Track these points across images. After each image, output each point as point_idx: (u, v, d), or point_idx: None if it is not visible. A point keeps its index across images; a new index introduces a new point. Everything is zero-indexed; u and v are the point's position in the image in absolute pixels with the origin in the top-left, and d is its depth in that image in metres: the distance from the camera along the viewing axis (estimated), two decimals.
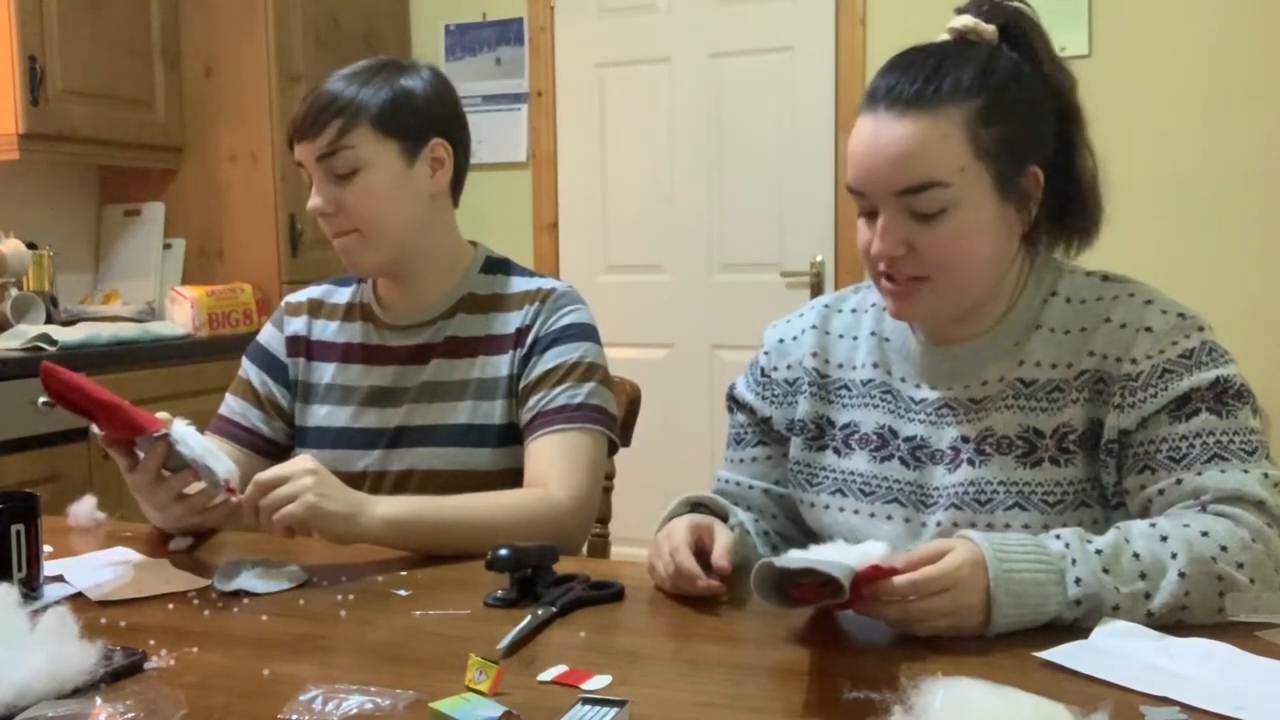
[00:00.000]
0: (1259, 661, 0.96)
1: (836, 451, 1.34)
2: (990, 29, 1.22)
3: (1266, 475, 1.12)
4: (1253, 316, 3.17)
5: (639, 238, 3.92)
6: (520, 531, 1.34)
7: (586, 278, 3.97)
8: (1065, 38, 3.30)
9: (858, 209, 1.23)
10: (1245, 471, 1.11)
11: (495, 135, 4.09)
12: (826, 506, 1.33)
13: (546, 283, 1.64)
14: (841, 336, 1.39)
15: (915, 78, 1.18)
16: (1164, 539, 1.07)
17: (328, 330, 1.66)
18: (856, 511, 1.30)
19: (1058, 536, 1.07)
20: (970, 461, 1.23)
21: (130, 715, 0.87)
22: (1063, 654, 0.97)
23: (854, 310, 1.40)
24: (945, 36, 1.25)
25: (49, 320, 3.12)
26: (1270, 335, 3.18)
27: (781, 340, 1.43)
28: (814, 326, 1.41)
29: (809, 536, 1.40)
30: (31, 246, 3.19)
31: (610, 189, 3.97)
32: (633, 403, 1.90)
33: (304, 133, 1.52)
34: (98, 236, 3.73)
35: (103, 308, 3.44)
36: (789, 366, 1.41)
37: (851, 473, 1.32)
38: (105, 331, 3.03)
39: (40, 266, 3.21)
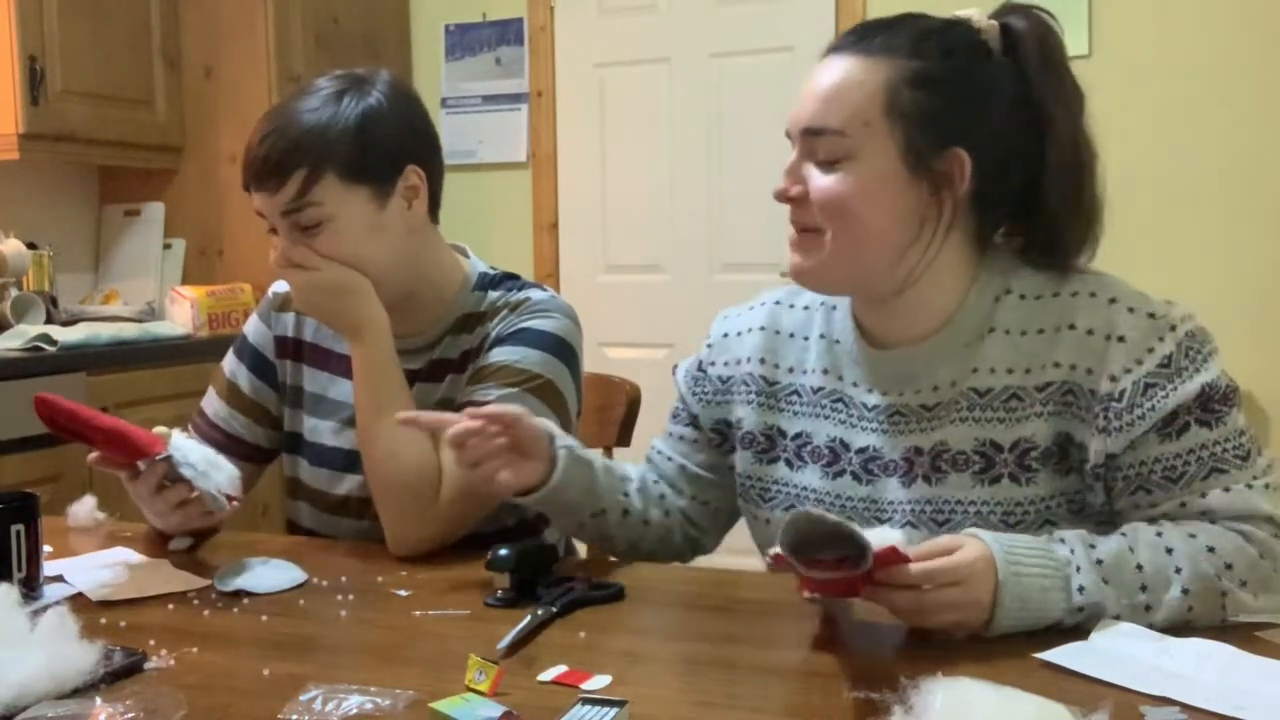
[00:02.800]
0: (1259, 661, 0.96)
1: (789, 464, 1.30)
2: (991, 23, 1.20)
3: (1268, 486, 1.10)
4: (1254, 316, 3.17)
5: (639, 238, 3.92)
6: (389, 484, 1.38)
7: (586, 278, 3.97)
8: (1065, 38, 3.30)
9: None
10: (1249, 487, 1.09)
11: (495, 135, 4.09)
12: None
13: (529, 293, 1.53)
14: (793, 336, 1.33)
15: (869, 28, 1.19)
16: (1169, 551, 1.06)
17: (321, 332, 1.57)
18: None
19: (1062, 540, 1.07)
20: (926, 479, 1.19)
21: (130, 715, 0.87)
22: (1063, 654, 0.97)
23: (806, 307, 1.33)
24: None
25: (49, 320, 3.12)
26: (1273, 335, 3.18)
27: (725, 335, 1.38)
28: (762, 327, 1.35)
29: (723, 523, 1.42)
30: (31, 246, 3.18)
31: (610, 189, 3.97)
32: (633, 403, 1.90)
33: (261, 184, 1.39)
34: (98, 236, 3.73)
35: (103, 308, 3.44)
36: (726, 364, 1.36)
37: (805, 488, 1.28)
38: (105, 331, 3.03)
39: (40, 266, 3.21)
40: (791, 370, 1.32)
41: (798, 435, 1.29)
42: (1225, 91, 3.22)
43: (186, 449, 1.33)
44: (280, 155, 1.37)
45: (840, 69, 1.16)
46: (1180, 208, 3.27)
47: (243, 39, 3.52)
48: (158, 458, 1.30)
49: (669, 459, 1.41)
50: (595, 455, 1.36)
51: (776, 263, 3.74)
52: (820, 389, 1.28)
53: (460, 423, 1.24)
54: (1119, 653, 0.97)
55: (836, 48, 1.19)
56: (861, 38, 1.18)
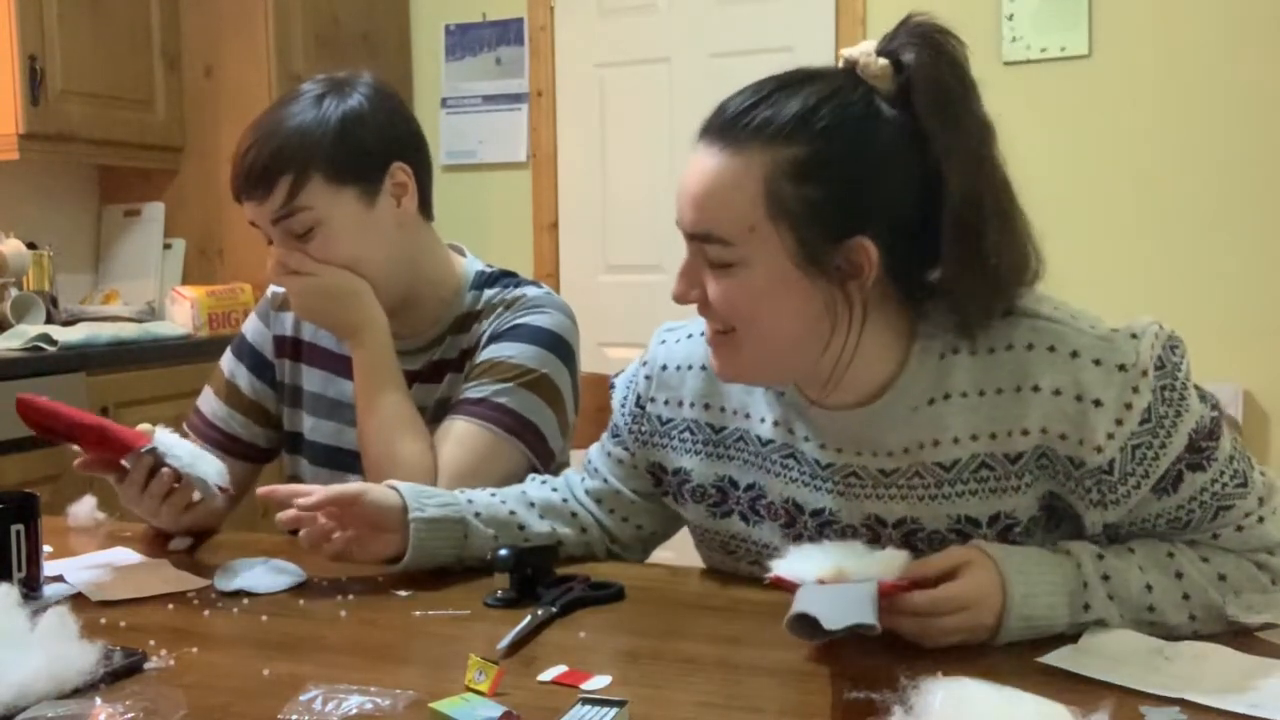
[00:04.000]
0: (1259, 661, 0.96)
1: (744, 518, 1.22)
2: (881, 64, 1.04)
3: (1276, 511, 1.08)
4: (1254, 315, 3.17)
5: (639, 238, 3.92)
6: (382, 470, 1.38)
7: (586, 278, 3.97)
8: (1065, 38, 3.30)
9: None
10: (1260, 520, 1.07)
11: (495, 135, 4.09)
12: (750, 575, 1.21)
13: (524, 290, 1.53)
14: None
15: (741, 104, 1.05)
16: (1179, 575, 1.05)
17: (320, 331, 1.56)
18: None
19: (1069, 553, 1.05)
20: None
21: (130, 715, 0.87)
22: (1062, 657, 0.97)
23: None
24: (840, 64, 1.08)
25: (49, 320, 3.12)
26: (1273, 334, 3.18)
27: (665, 368, 1.28)
28: (703, 367, 1.23)
29: (651, 546, 1.38)
30: (31, 246, 3.18)
31: (610, 189, 3.97)
32: None
33: (250, 193, 1.41)
34: (98, 236, 3.73)
35: (103, 308, 3.44)
36: (667, 402, 1.27)
37: (765, 545, 1.21)
38: (105, 331, 3.03)
39: (40, 266, 3.21)
40: (735, 414, 1.22)
41: (750, 487, 1.21)
42: (1225, 91, 3.21)
43: (171, 443, 1.33)
44: (265, 162, 1.39)
45: (712, 167, 1.05)
46: (1179, 207, 3.27)
47: (243, 39, 3.52)
48: (143, 450, 1.30)
49: (604, 480, 1.35)
50: (474, 507, 1.29)
51: None
52: (770, 442, 1.19)
53: (288, 511, 1.23)
54: (1118, 653, 0.97)
55: (706, 133, 1.07)
56: (731, 123, 1.05)
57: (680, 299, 1.11)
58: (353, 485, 1.27)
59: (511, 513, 1.32)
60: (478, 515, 1.29)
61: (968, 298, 1.05)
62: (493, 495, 1.33)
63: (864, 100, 1.04)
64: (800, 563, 1.03)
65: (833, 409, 1.13)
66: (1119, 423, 1.02)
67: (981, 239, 1.02)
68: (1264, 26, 3.18)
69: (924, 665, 0.91)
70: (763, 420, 1.20)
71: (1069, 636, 1.02)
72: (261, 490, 1.28)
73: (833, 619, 0.92)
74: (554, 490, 1.37)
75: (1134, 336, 1.04)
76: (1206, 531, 1.07)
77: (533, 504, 1.34)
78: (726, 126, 1.05)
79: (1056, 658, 0.97)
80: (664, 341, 1.31)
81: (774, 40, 3.70)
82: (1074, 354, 1.04)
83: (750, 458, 1.21)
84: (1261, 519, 1.07)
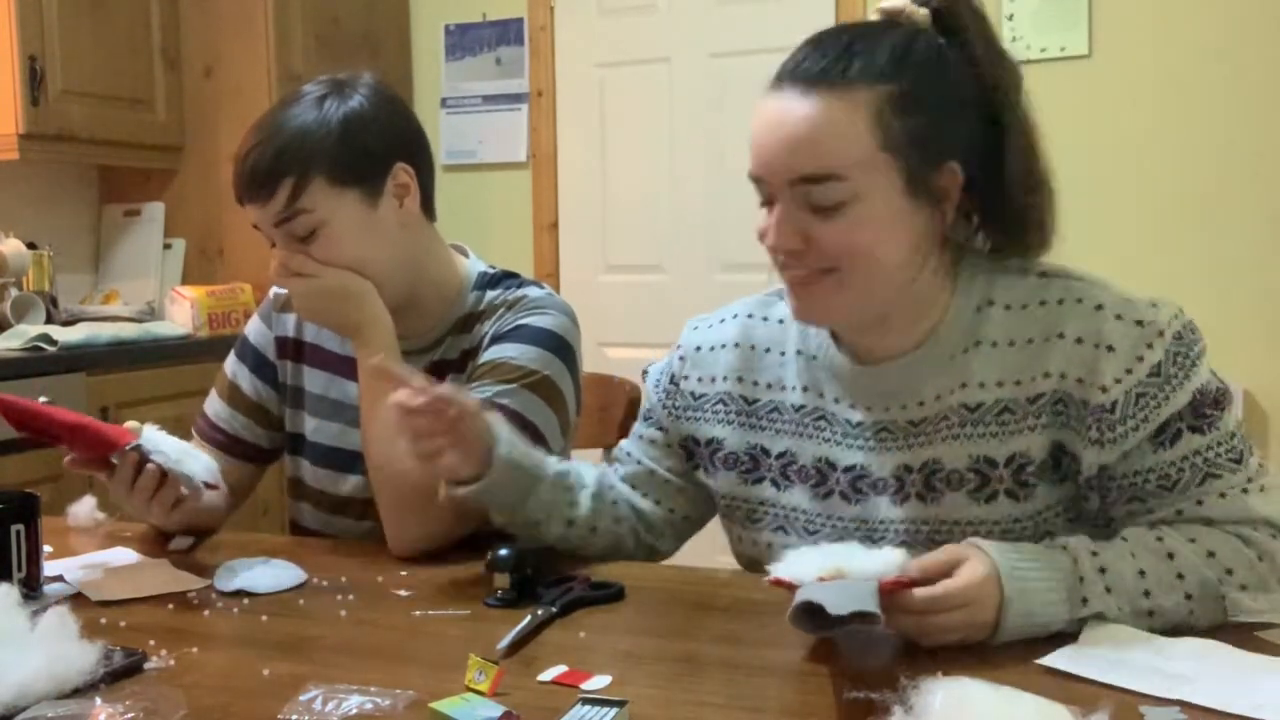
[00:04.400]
0: (1259, 660, 0.96)
1: (775, 484, 1.26)
2: (922, 12, 1.13)
3: (1263, 488, 1.10)
4: (1254, 316, 3.17)
5: (639, 238, 3.91)
6: (388, 484, 1.38)
7: (586, 278, 3.97)
8: (1065, 38, 3.30)
9: (759, 197, 1.15)
10: (1244, 491, 1.09)
11: (495, 135, 4.09)
12: (769, 544, 1.25)
13: (526, 290, 1.53)
14: (768, 350, 1.29)
15: (826, 53, 1.11)
16: (1171, 556, 1.05)
17: (321, 332, 1.56)
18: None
19: (1064, 547, 1.06)
20: (920, 497, 1.17)
21: (130, 715, 0.87)
22: (1062, 658, 0.97)
23: (781, 320, 1.29)
24: (874, 17, 1.17)
25: (49, 320, 3.12)
26: (1273, 335, 3.18)
27: (699, 348, 1.34)
28: (736, 344, 1.30)
29: (685, 532, 1.40)
30: (31, 246, 3.18)
31: (610, 189, 3.97)
32: (632, 403, 1.89)
33: (252, 196, 1.40)
34: (98, 236, 3.73)
35: (103, 308, 3.44)
36: (700, 380, 1.32)
37: (793, 509, 1.25)
38: (105, 331, 3.03)
39: (40, 266, 3.21)
40: (769, 387, 1.28)
41: (782, 454, 1.26)
42: (1225, 91, 3.21)
43: (158, 439, 1.33)
44: (267, 165, 1.38)
45: (815, 110, 1.08)
46: (1180, 207, 3.27)
47: (243, 39, 3.51)
48: (128, 447, 1.30)
49: (638, 462, 1.38)
50: (549, 467, 1.33)
51: None
52: (802, 407, 1.25)
53: (402, 394, 1.20)
54: (1117, 654, 0.97)
55: (798, 77, 1.11)
56: (830, 64, 1.10)
57: (777, 248, 1.13)
58: (466, 396, 1.26)
59: (576, 487, 1.35)
60: (555, 483, 1.33)
61: (1029, 210, 1.15)
62: (566, 470, 1.35)
63: (935, 42, 1.13)
64: (799, 564, 1.03)
65: (876, 362, 1.19)
66: (1129, 371, 1.09)
67: (1035, 156, 1.15)
68: (1264, 26, 3.17)
69: (924, 665, 0.91)
70: (793, 389, 1.26)
71: (1069, 636, 1.02)
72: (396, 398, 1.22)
73: (838, 606, 0.92)
74: (596, 480, 1.39)
75: (1154, 305, 1.12)
76: (1191, 498, 1.09)
77: (585, 486, 1.37)
78: (822, 73, 1.10)
79: (1056, 658, 0.97)
80: (695, 328, 1.37)
81: (774, 40, 3.68)
82: (1099, 307, 1.12)
83: (783, 426, 1.26)
84: (1246, 491, 1.09)
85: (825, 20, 3.62)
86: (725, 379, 1.30)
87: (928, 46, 1.12)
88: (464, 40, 4.12)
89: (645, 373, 1.43)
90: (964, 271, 1.18)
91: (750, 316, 1.33)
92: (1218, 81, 3.22)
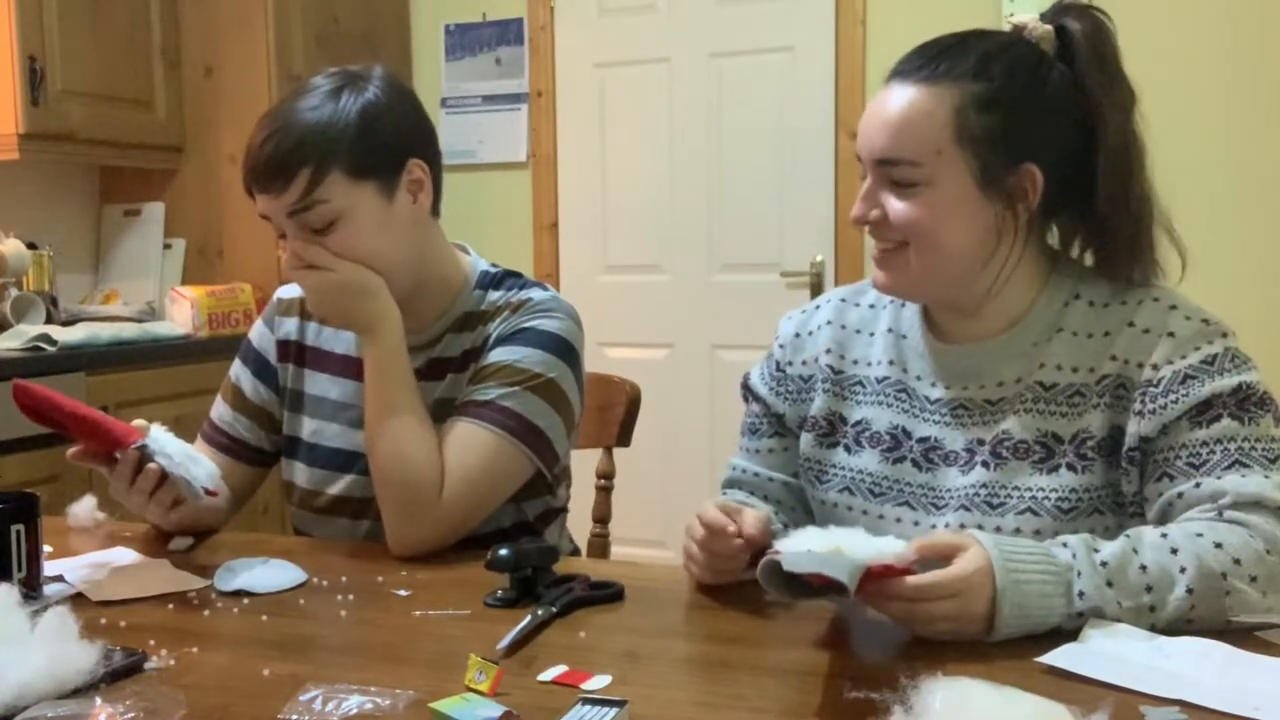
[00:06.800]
0: (1259, 660, 0.96)
1: (847, 449, 1.34)
2: (1045, 28, 1.24)
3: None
4: (1256, 317, 3.17)
5: (639, 238, 3.91)
6: (392, 482, 1.37)
7: (586, 278, 3.97)
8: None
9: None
10: (1266, 477, 1.10)
11: (495, 135, 4.09)
12: (835, 505, 1.33)
13: (530, 293, 1.52)
14: (859, 331, 1.38)
15: (926, 53, 1.22)
16: (1174, 551, 1.05)
17: (323, 335, 1.57)
18: (865, 512, 1.30)
19: (1064, 544, 1.06)
20: (985, 464, 1.22)
21: (130, 715, 0.87)
22: (1062, 657, 0.97)
23: (871, 305, 1.39)
24: (1006, 28, 1.28)
25: (49, 320, 3.12)
26: (1272, 337, 3.17)
27: (798, 334, 1.42)
28: (829, 322, 1.40)
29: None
30: (31, 246, 3.18)
31: (610, 189, 3.97)
32: (633, 403, 1.90)
33: (266, 185, 1.37)
34: (98, 236, 3.73)
35: (103, 308, 3.44)
36: (804, 362, 1.40)
37: (861, 471, 1.31)
38: (105, 331, 3.03)
39: (40, 266, 3.21)
40: (856, 362, 1.37)
41: (859, 422, 1.34)
42: (1225, 91, 3.21)
43: (164, 441, 1.33)
44: (284, 155, 1.36)
45: (906, 98, 1.20)
46: (1178, 207, 3.26)
47: (243, 39, 3.51)
48: (133, 446, 1.30)
49: (769, 479, 1.41)
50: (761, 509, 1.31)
51: (776, 262, 3.75)
52: (885, 379, 1.33)
53: (729, 530, 1.17)
54: (1118, 654, 0.97)
55: (900, 74, 1.22)
56: (925, 64, 1.21)
57: (859, 220, 1.24)
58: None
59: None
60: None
61: (1116, 226, 1.23)
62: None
63: (1035, 52, 1.22)
64: (800, 540, 1.06)
65: (962, 343, 1.27)
66: (1182, 356, 1.16)
67: (1130, 178, 1.22)
68: (1264, 26, 3.18)
69: (924, 665, 0.91)
70: (879, 363, 1.35)
71: (1069, 635, 1.02)
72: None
73: (797, 565, 0.96)
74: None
75: (1225, 324, 1.20)
76: (1214, 475, 1.11)
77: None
78: (921, 67, 1.21)
79: (1056, 657, 0.97)
80: (791, 318, 1.45)
81: (774, 40, 3.71)
82: (1172, 307, 1.21)
83: (864, 398, 1.35)
84: (1268, 478, 1.10)
85: (825, 20, 3.62)
86: (823, 354, 1.39)
87: (1025, 55, 1.21)
88: (464, 40, 4.12)
89: (744, 385, 1.46)
90: (1058, 273, 1.27)
91: (844, 301, 1.42)
92: (1218, 81, 3.22)
